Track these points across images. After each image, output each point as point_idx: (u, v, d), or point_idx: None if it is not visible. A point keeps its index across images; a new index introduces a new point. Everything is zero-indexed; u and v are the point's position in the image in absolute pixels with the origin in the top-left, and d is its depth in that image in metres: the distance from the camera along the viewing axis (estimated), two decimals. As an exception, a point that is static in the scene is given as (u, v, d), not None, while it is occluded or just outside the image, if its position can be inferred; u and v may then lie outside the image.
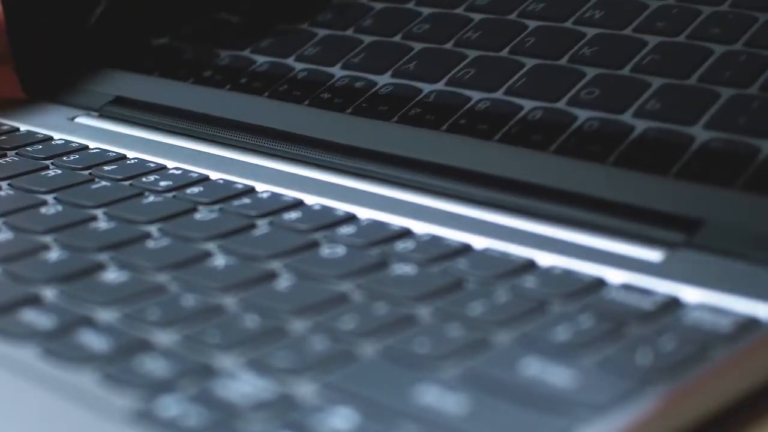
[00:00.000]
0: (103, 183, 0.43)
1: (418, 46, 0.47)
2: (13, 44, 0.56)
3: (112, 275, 0.36)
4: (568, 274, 0.34)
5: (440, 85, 0.44)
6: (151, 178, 0.44)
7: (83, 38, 0.55)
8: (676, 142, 0.38)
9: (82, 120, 0.52)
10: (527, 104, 0.42)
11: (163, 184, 0.43)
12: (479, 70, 0.44)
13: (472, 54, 0.45)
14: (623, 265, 0.35)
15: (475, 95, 0.43)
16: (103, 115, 0.52)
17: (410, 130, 0.43)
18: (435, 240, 0.37)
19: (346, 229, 0.38)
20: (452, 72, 0.45)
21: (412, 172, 0.41)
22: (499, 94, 0.43)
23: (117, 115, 0.51)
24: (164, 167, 0.45)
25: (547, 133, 0.40)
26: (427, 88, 0.45)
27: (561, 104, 0.41)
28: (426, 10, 0.48)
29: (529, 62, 0.44)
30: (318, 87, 0.47)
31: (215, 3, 0.54)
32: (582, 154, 0.39)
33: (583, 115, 0.41)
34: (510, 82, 0.43)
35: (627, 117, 0.40)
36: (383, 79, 0.46)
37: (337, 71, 0.47)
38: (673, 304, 0.32)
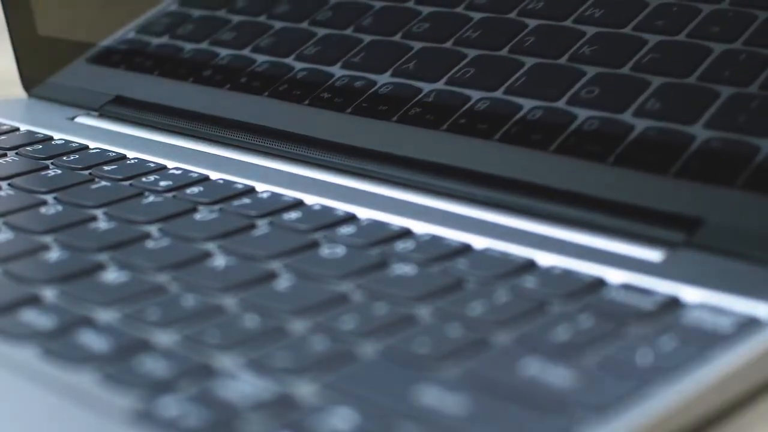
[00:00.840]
0: (103, 183, 0.43)
1: (417, 45, 0.47)
2: (14, 43, 0.56)
3: (112, 275, 0.36)
4: (568, 274, 0.34)
5: (440, 85, 0.44)
6: (151, 178, 0.44)
7: (84, 38, 0.55)
8: (675, 141, 0.38)
9: (82, 120, 0.52)
10: (527, 103, 0.42)
11: (163, 184, 0.43)
12: (479, 70, 0.44)
13: (472, 53, 0.45)
14: (623, 265, 0.35)
15: (475, 94, 0.43)
16: (103, 114, 0.52)
17: (410, 129, 0.43)
18: (435, 240, 0.37)
19: (346, 229, 0.38)
20: (452, 71, 0.45)
21: (412, 172, 0.41)
22: (498, 94, 0.43)
23: (117, 115, 0.51)
24: (164, 167, 0.45)
25: (546, 133, 0.40)
26: (426, 87, 0.45)
27: (561, 103, 0.41)
28: (425, 9, 0.48)
29: (529, 61, 0.44)
30: (318, 86, 0.47)
31: (215, 2, 0.54)
32: (582, 154, 0.39)
33: (582, 114, 0.41)
34: (510, 81, 0.43)
35: (627, 116, 0.40)
36: (383, 79, 0.46)
37: (336, 70, 0.47)
38: (673, 304, 0.32)
